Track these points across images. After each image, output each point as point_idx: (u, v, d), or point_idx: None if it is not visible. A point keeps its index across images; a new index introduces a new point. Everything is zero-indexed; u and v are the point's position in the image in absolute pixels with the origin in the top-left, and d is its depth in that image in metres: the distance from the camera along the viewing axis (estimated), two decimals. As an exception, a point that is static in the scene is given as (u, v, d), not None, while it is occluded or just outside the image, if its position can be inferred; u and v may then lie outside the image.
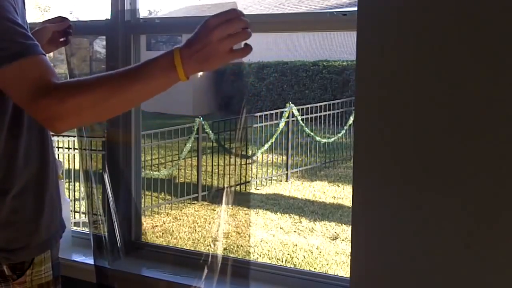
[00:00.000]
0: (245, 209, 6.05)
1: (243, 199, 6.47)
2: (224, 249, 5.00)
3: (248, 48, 1.05)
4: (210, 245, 5.10)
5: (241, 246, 4.98)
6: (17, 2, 1.10)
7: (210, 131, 6.83)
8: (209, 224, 5.66)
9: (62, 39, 1.59)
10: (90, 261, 1.90)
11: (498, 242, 1.20)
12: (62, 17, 1.60)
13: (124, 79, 1.03)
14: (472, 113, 1.20)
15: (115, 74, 1.06)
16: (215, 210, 6.08)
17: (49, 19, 1.59)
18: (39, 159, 1.20)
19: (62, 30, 1.57)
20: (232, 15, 1.03)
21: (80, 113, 1.02)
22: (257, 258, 4.67)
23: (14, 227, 1.16)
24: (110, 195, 1.92)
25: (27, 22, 1.17)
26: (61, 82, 1.02)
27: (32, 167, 1.18)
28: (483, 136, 1.19)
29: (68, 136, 5.79)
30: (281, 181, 7.25)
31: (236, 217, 5.79)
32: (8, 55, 1.00)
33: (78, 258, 1.97)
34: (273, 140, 7.48)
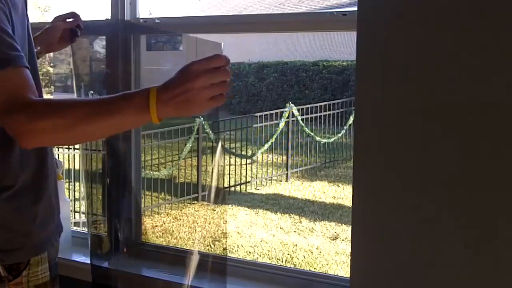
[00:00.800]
0: (245, 209, 6.05)
1: (243, 199, 6.47)
2: (224, 249, 4.99)
3: (225, 97, 1.00)
4: (210, 245, 5.10)
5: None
6: (15, 4, 1.09)
7: (210, 131, 6.83)
8: (209, 224, 5.66)
9: (72, 37, 1.59)
10: (89, 260, 1.90)
11: (498, 242, 1.20)
12: (74, 13, 1.60)
13: (96, 110, 1.00)
14: (472, 113, 1.20)
15: (89, 102, 1.04)
16: (215, 210, 6.08)
17: (61, 15, 1.60)
18: (37, 160, 1.19)
19: (72, 28, 1.58)
20: (218, 63, 0.98)
21: (47, 134, 1.00)
22: (257, 258, 4.67)
23: (8, 228, 1.15)
24: (110, 195, 1.92)
25: (28, 21, 1.16)
26: (35, 100, 1.00)
27: (29, 168, 1.17)
28: (483, 136, 1.19)
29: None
30: (281, 181, 7.25)
31: (236, 217, 5.79)
32: None
33: (78, 258, 1.96)
34: (273, 140, 7.48)
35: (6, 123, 1.01)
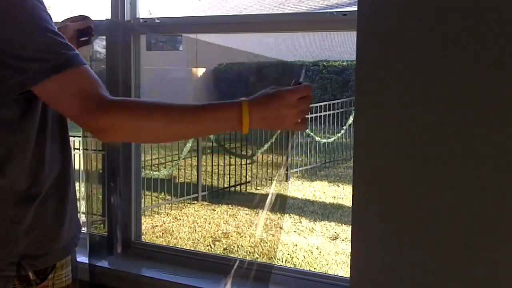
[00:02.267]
0: (245, 209, 6.05)
1: (243, 199, 6.47)
2: (224, 249, 4.99)
3: (306, 122, 1.15)
4: (210, 245, 5.10)
5: (242, 246, 4.98)
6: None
7: (210, 131, 6.82)
8: (209, 224, 5.65)
9: (83, 39, 1.57)
10: (89, 260, 1.90)
11: (499, 242, 1.20)
12: (85, 15, 1.59)
13: (187, 116, 1.07)
14: (472, 113, 1.20)
15: (180, 107, 1.09)
16: (215, 210, 6.07)
17: (70, 17, 1.58)
18: (61, 164, 1.19)
19: (83, 29, 1.56)
20: (307, 93, 1.12)
21: (131, 132, 1.06)
22: (257, 258, 4.67)
23: (38, 234, 1.16)
24: (110, 195, 1.92)
25: None
26: (121, 99, 1.06)
27: (54, 173, 1.18)
28: (484, 136, 1.19)
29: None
30: (281, 181, 7.24)
31: (236, 217, 5.79)
32: (52, 67, 1.00)
33: (79, 258, 1.96)
34: (273, 140, 7.48)
35: (85, 120, 1.03)
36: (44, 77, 0.99)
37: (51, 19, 1.04)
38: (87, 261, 1.88)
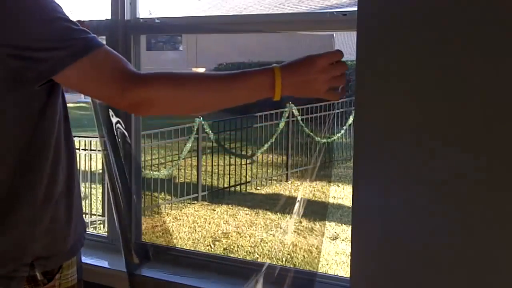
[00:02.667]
0: (245, 209, 6.05)
1: (243, 199, 6.47)
2: (224, 249, 5.00)
3: (343, 93, 1.15)
4: (210, 245, 5.10)
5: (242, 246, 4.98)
6: None
7: (210, 131, 6.83)
8: (209, 224, 5.66)
9: None
10: (89, 261, 1.90)
11: (499, 242, 1.20)
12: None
13: (221, 85, 1.08)
14: (473, 113, 1.20)
15: (211, 76, 1.10)
16: (215, 210, 6.08)
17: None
18: (69, 164, 1.20)
19: None
20: (338, 58, 1.13)
21: (167, 104, 1.06)
22: (257, 258, 4.67)
23: (52, 234, 1.17)
24: (110, 195, 1.92)
25: None
26: (152, 72, 1.05)
27: (64, 172, 1.18)
28: (484, 136, 1.19)
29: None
30: (281, 181, 7.25)
31: (236, 217, 5.79)
32: (73, 53, 1.00)
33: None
34: (273, 140, 7.47)
35: (120, 97, 1.03)
36: (69, 62, 0.99)
37: (61, 7, 1.05)
38: (86, 262, 1.88)
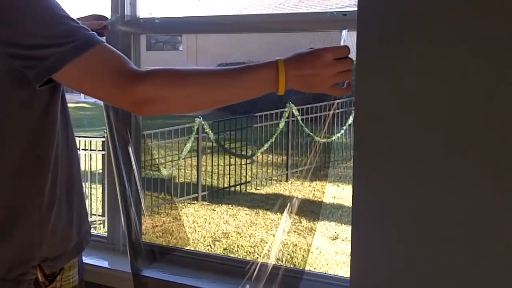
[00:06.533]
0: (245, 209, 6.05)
1: (243, 199, 6.47)
2: (224, 249, 4.99)
3: (348, 88, 1.11)
4: (210, 245, 5.10)
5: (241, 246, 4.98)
6: None
7: (210, 131, 6.83)
8: (209, 224, 5.65)
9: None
10: (89, 261, 1.90)
11: (499, 242, 1.20)
12: (98, 15, 1.55)
13: (223, 80, 1.05)
14: (473, 113, 1.20)
15: (213, 72, 1.08)
16: (215, 210, 6.07)
17: (83, 17, 1.54)
18: (68, 163, 1.20)
19: (95, 31, 1.55)
20: (344, 53, 1.09)
21: (169, 102, 1.04)
22: (257, 258, 4.67)
23: (57, 235, 1.17)
24: (110, 195, 1.92)
25: None
26: (153, 69, 1.03)
27: (65, 172, 1.18)
28: (484, 136, 1.19)
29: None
30: (281, 181, 7.25)
31: (236, 217, 5.79)
32: (72, 49, 0.99)
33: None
34: (273, 140, 7.47)
35: (120, 95, 1.01)
36: (69, 59, 0.98)
37: (60, 5, 1.04)
38: (86, 262, 1.88)
